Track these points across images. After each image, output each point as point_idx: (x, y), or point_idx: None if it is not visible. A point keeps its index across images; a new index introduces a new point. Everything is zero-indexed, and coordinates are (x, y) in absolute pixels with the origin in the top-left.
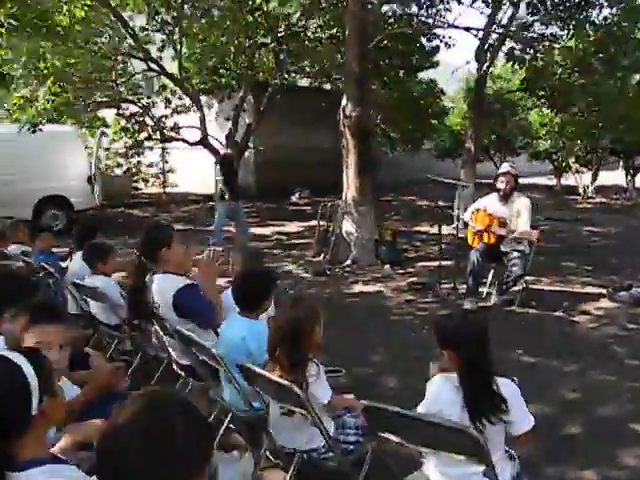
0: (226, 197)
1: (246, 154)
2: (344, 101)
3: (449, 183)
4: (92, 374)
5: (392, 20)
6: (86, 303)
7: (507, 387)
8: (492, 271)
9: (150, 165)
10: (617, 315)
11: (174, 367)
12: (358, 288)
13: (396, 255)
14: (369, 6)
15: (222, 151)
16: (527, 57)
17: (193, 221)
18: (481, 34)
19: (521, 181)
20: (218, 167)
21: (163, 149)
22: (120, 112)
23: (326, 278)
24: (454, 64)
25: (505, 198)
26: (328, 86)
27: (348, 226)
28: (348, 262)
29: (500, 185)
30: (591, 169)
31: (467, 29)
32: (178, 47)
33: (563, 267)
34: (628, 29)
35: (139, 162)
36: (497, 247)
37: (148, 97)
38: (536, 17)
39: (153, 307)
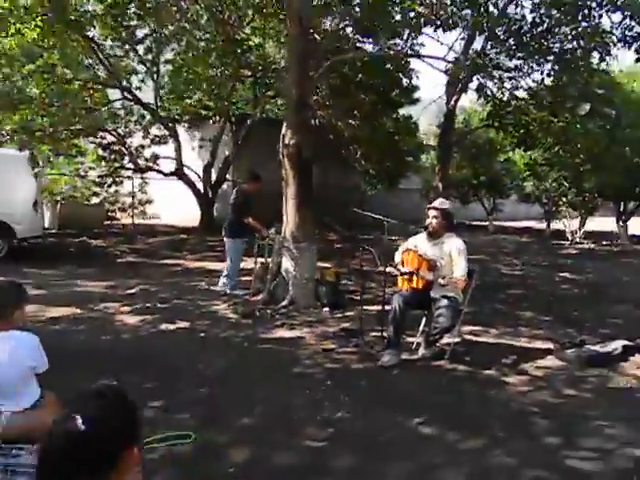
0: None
1: (224, 186)
2: (284, 129)
3: (378, 219)
4: None
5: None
6: None
7: None
8: (424, 319)
9: (131, 194)
10: (557, 378)
11: None
12: (280, 333)
13: (337, 297)
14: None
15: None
16: (493, 91)
17: (151, 254)
18: (447, 67)
19: (513, 224)
20: (231, 200)
21: (142, 179)
22: (97, 141)
23: (252, 320)
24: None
25: (434, 237)
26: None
27: (287, 264)
28: (285, 303)
29: (427, 221)
30: (581, 213)
31: (422, 57)
32: (155, 77)
33: (518, 316)
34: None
35: (116, 191)
36: (426, 293)
37: (125, 126)
38: (496, 49)
39: None
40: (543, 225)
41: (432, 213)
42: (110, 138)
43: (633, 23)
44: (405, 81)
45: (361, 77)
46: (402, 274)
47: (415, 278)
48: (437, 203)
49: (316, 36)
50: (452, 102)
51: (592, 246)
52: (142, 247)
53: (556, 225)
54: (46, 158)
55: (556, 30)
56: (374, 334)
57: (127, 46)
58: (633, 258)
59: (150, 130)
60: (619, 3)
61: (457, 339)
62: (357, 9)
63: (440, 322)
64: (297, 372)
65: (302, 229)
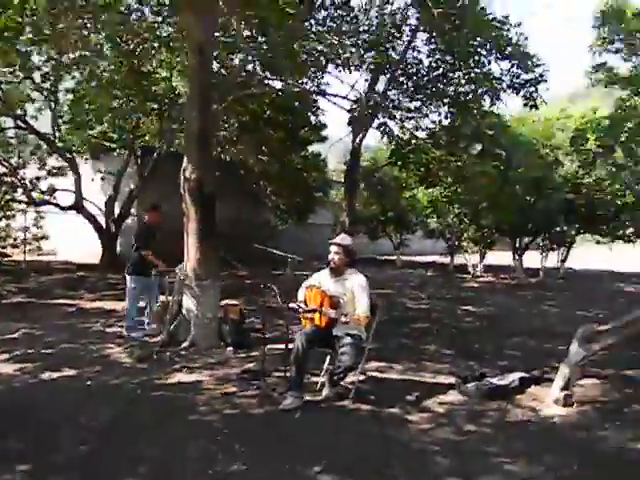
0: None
1: (129, 221)
2: (184, 163)
3: (280, 255)
4: None
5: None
6: None
7: None
8: (328, 358)
9: (24, 229)
10: (458, 413)
11: None
12: (178, 377)
13: (242, 336)
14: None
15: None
16: (395, 130)
17: (42, 294)
18: (351, 106)
19: (420, 259)
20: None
21: (37, 212)
22: None
23: (149, 365)
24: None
25: (336, 273)
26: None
27: (188, 302)
28: (186, 344)
29: (329, 256)
30: (480, 248)
31: (325, 95)
32: (53, 106)
33: (422, 351)
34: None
35: (8, 225)
36: (330, 330)
37: (19, 157)
38: (397, 90)
39: None
40: (447, 259)
41: (334, 249)
42: (1, 169)
43: (520, 71)
44: (313, 119)
45: (270, 114)
46: (305, 312)
47: (318, 316)
48: (339, 239)
49: (222, 71)
50: (357, 140)
51: (492, 279)
52: (33, 286)
53: (459, 259)
54: None
55: (450, 75)
56: (278, 374)
57: (21, 73)
58: (527, 291)
59: (47, 161)
60: (507, 52)
61: (361, 377)
62: (264, 47)
63: (343, 361)
64: (192, 420)
65: (204, 266)
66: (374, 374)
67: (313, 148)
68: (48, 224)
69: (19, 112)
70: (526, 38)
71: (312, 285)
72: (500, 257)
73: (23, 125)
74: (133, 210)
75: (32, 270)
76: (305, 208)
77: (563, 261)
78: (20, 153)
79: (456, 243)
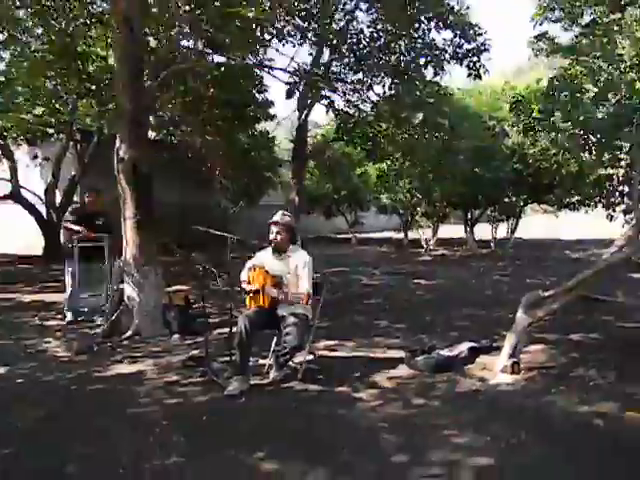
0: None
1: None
2: (117, 142)
3: (222, 235)
4: None
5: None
6: None
7: None
8: (275, 339)
9: None
10: (407, 387)
11: None
12: (119, 369)
13: (189, 322)
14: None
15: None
16: (340, 104)
17: None
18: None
19: (375, 236)
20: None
21: None
22: None
23: (88, 357)
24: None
25: (279, 252)
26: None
27: (129, 290)
28: (128, 333)
29: (270, 236)
30: (433, 222)
31: (265, 67)
32: None
33: (375, 326)
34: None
35: None
36: (274, 311)
37: None
38: (339, 63)
39: None
40: (402, 235)
41: (274, 228)
42: None
43: (463, 41)
44: (259, 97)
45: (213, 92)
46: (247, 292)
47: (262, 296)
48: (277, 217)
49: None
50: (302, 116)
51: (445, 252)
52: None
53: (414, 235)
54: None
55: (392, 45)
56: (224, 359)
57: None
58: (479, 262)
59: None
60: (449, 22)
61: (309, 357)
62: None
63: (288, 341)
64: (130, 414)
65: (143, 251)
66: (324, 353)
67: (261, 127)
68: None
69: None
70: (467, 7)
71: (254, 265)
72: (453, 230)
73: None
74: (76, 198)
75: None
76: (256, 189)
77: (513, 231)
78: None
79: (409, 218)
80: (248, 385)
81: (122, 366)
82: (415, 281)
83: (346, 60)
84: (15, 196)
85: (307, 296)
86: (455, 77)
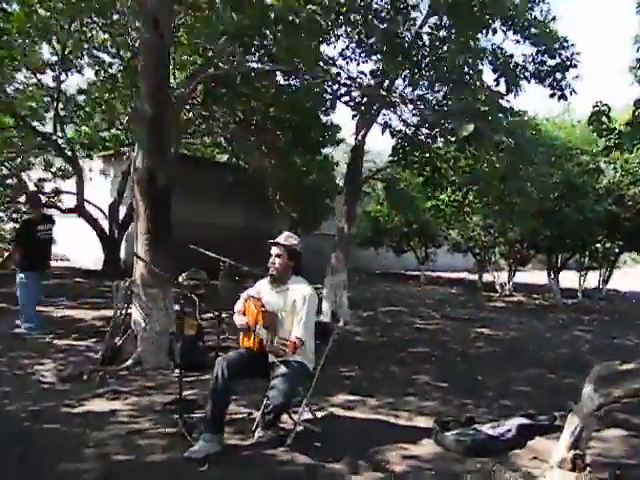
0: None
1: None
2: (134, 151)
3: (219, 259)
4: None
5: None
6: None
7: None
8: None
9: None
10: (424, 477)
11: None
12: (92, 406)
13: (197, 356)
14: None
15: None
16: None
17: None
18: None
19: (448, 275)
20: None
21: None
22: None
23: (73, 385)
24: None
25: (277, 282)
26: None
27: (136, 314)
28: (129, 362)
29: (269, 262)
30: (509, 264)
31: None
32: (55, 105)
33: (410, 382)
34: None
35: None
36: (264, 355)
37: (21, 157)
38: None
39: None
40: (476, 277)
41: (274, 251)
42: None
43: (545, 57)
44: (326, 119)
45: (274, 112)
46: (239, 328)
47: (252, 335)
48: (281, 238)
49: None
50: (359, 137)
51: (522, 299)
52: (9, 290)
53: (489, 277)
54: None
55: (458, 56)
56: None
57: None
58: (561, 313)
59: (53, 163)
60: (530, 33)
61: (307, 415)
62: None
63: (271, 398)
64: (59, 471)
65: (153, 272)
66: (336, 411)
67: (324, 152)
68: (59, 229)
69: (24, 112)
70: (554, 18)
71: (250, 296)
72: (535, 276)
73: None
74: None
75: None
76: (313, 217)
77: (605, 281)
78: (24, 154)
79: (486, 259)
80: (219, 447)
81: (98, 402)
82: (478, 330)
83: (409, 73)
84: (80, 210)
85: (293, 345)
86: (544, 108)
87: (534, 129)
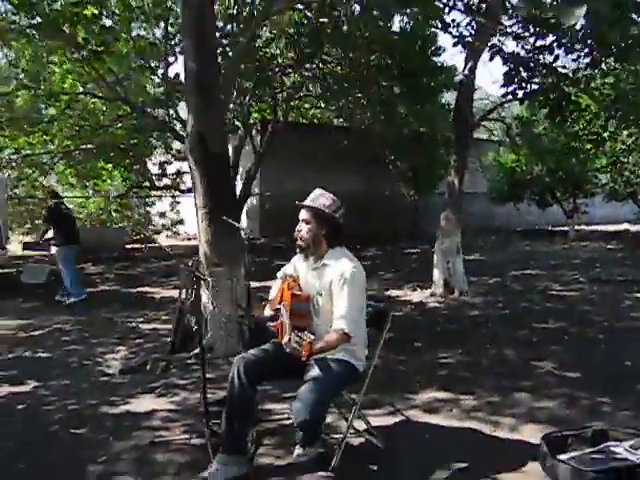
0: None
1: (254, 201)
2: (187, 114)
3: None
4: None
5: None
6: None
7: None
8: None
9: (162, 215)
10: None
11: None
12: (135, 404)
13: (263, 340)
14: None
15: None
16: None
17: (134, 280)
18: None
19: (604, 228)
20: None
21: (173, 197)
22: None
23: (130, 377)
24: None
25: (309, 256)
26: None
27: (204, 296)
28: (196, 350)
29: (295, 233)
30: None
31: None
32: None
33: (527, 372)
34: None
35: (148, 212)
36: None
37: (147, 143)
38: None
39: None
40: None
41: (301, 215)
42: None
43: None
44: (436, 61)
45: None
46: (270, 319)
47: (281, 326)
48: (309, 199)
49: None
50: (467, 70)
51: None
52: (132, 272)
53: None
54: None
55: None
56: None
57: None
58: None
59: (172, 146)
60: None
61: (360, 428)
62: None
63: (293, 412)
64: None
65: (217, 249)
66: (412, 414)
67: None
68: (183, 209)
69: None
70: None
71: (286, 275)
72: None
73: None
74: (256, 189)
75: (152, 256)
76: (433, 173)
77: None
78: (147, 140)
79: None
80: (237, 470)
81: (144, 400)
82: (635, 295)
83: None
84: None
85: (309, 345)
86: None
87: None
